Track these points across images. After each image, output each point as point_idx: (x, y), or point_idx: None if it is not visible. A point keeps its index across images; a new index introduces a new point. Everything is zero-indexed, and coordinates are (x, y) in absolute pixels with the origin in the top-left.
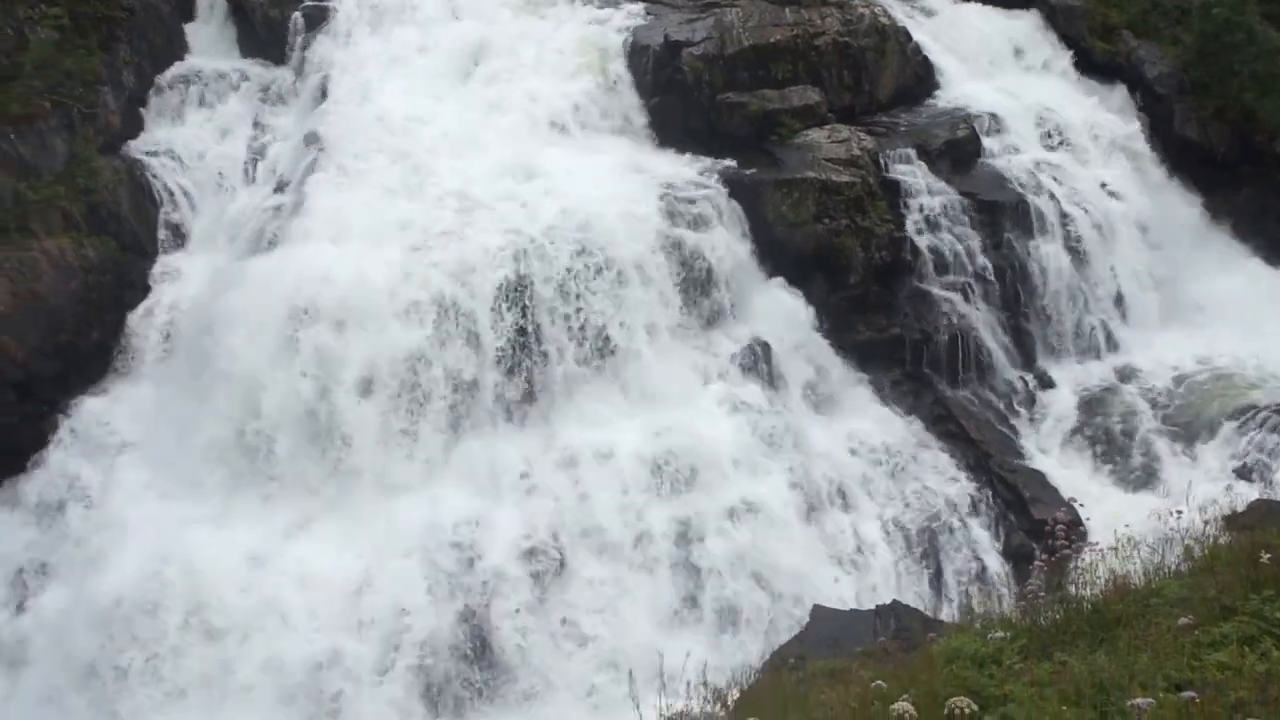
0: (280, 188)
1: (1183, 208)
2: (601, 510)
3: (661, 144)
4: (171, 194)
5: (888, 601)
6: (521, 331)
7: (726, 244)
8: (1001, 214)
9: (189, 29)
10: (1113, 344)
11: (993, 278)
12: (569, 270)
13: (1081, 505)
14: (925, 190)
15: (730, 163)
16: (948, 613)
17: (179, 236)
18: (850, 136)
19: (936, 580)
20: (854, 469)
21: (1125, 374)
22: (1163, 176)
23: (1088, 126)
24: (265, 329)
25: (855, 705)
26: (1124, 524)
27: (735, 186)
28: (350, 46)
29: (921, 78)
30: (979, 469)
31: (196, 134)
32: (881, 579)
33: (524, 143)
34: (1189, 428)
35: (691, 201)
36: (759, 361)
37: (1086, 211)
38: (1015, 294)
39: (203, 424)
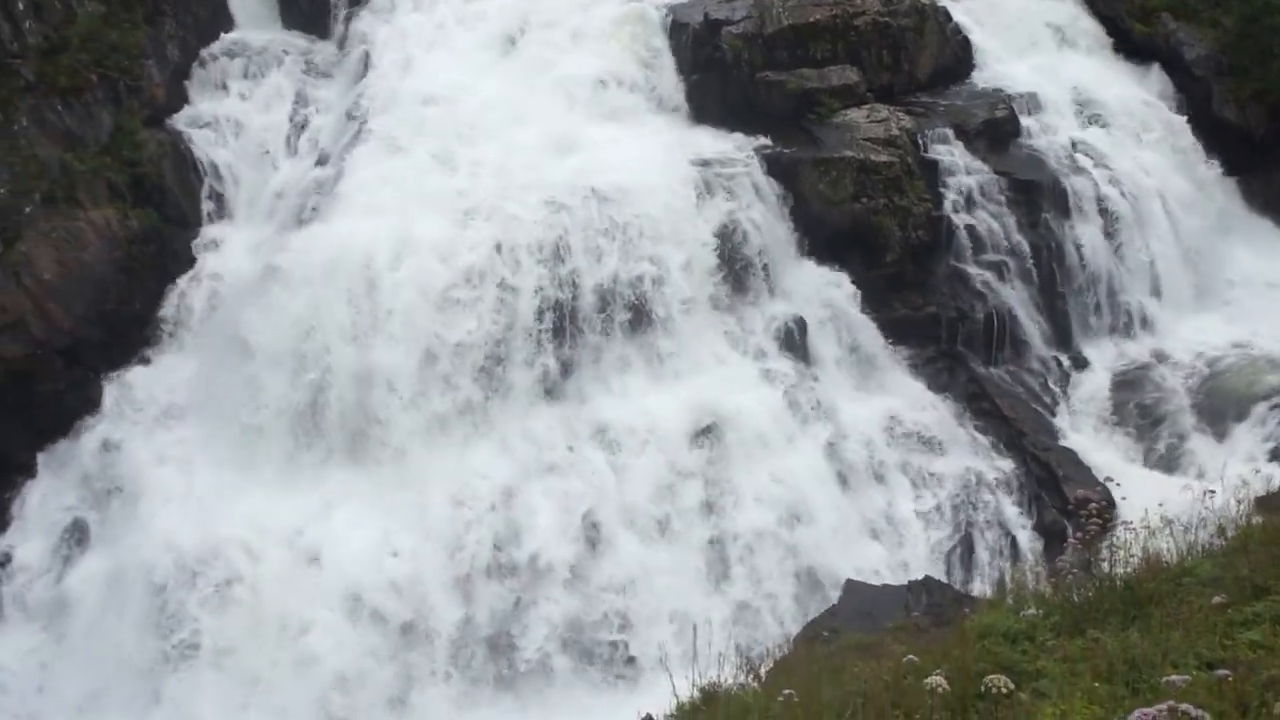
0: (322, 160)
1: (1219, 189)
2: (635, 482)
3: (700, 121)
4: (214, 166)
5: (920, 577)
6: (559, 304)
7: (764, 221)
8: (1038, 194)
9: (233, 3)
10: (1147, 324)
11: (1029, 257)
12: (607, 244)
13: (1117, 485)
14: (963, 170)
15: (768, 141)
16: (979, 589)
17: (222, 208)
18: (889, 116)
19: (968, 557)
20: (888, 445)
21: (1159, 354)
22: (1199, 158)
23: (1125, 107)
24: (306, 300)
25: (888, 679)
26: (1156, 504)
27: (773, 164)
28: (393, 20)
29: (960, 57)
30: (1012, 447)
31: (240, 107)
32: (913, 555)
33: (563, 117)
34: (1222, 409)
35: (730, 178)
36: (794, 337)
37: (1123, 192)
38: (1051, 273)
39: (243, 393)
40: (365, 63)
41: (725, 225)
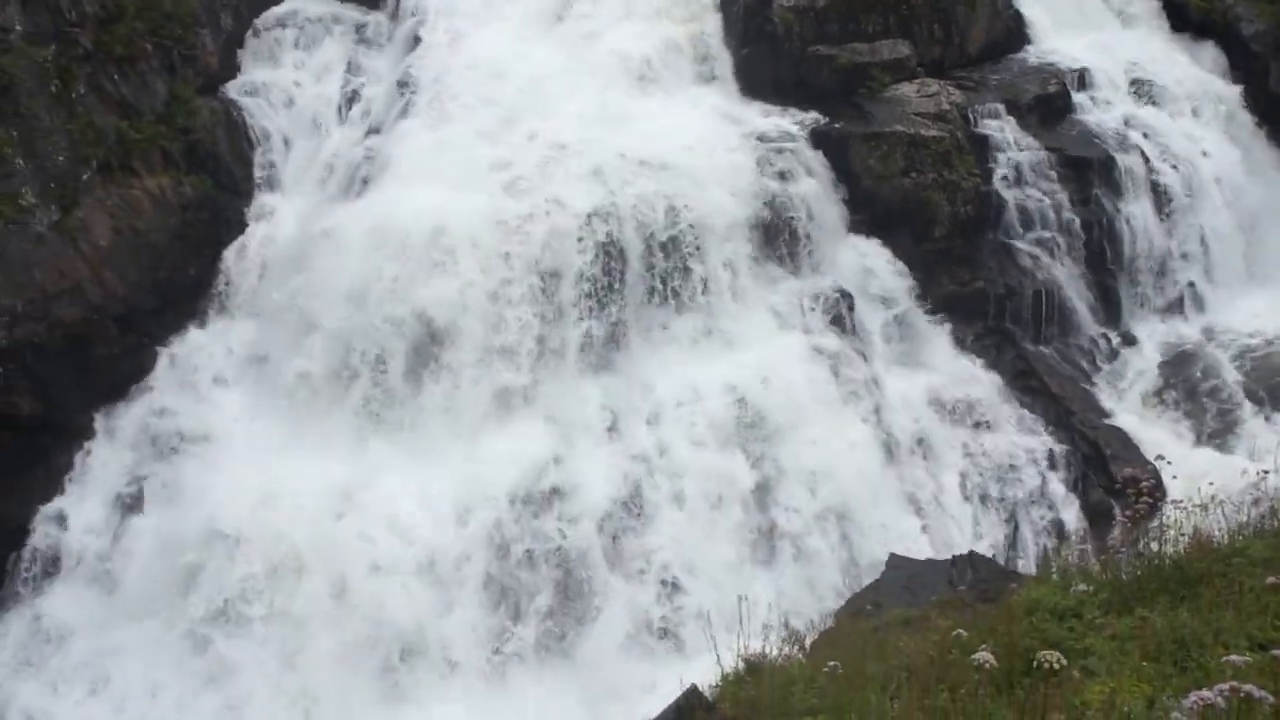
0: (373, 130)
1: (1273, 167)
2: (681, 454)
3: (749, 94)
4: (267, 134)
5: (964, 552)
6: (607, 275)
7: (813, 194)
8: (1090, 170)
9: None
10: (1198, 303)
11: (1079, 234)
12: (655, 216)
13: (1169, 463)
14: (1013, 145)
15: (818, 115)
16: (1024, 566)
17: (273, 176)
18: (939, 90)
19: (1013, 534)
20: (934, 421)
21: (1210, 333)
22: (1254, 135)
23: (1179, 83)
24: (357, 268)
25: (933, 653)
26: (1207, 483)
27: (823, 138)
28: None
29: (1012, 32)
30: (1060, 425)
31: (292, 76)
32: (958, 530)
33: (613, 89)
34: (1273, 389)
35: (779, 152)
36: (841, 312)
37: (1176, 169)
38: (1101, 251)
39: (295, 359)
40: (416, 34)
41: (774, 199)
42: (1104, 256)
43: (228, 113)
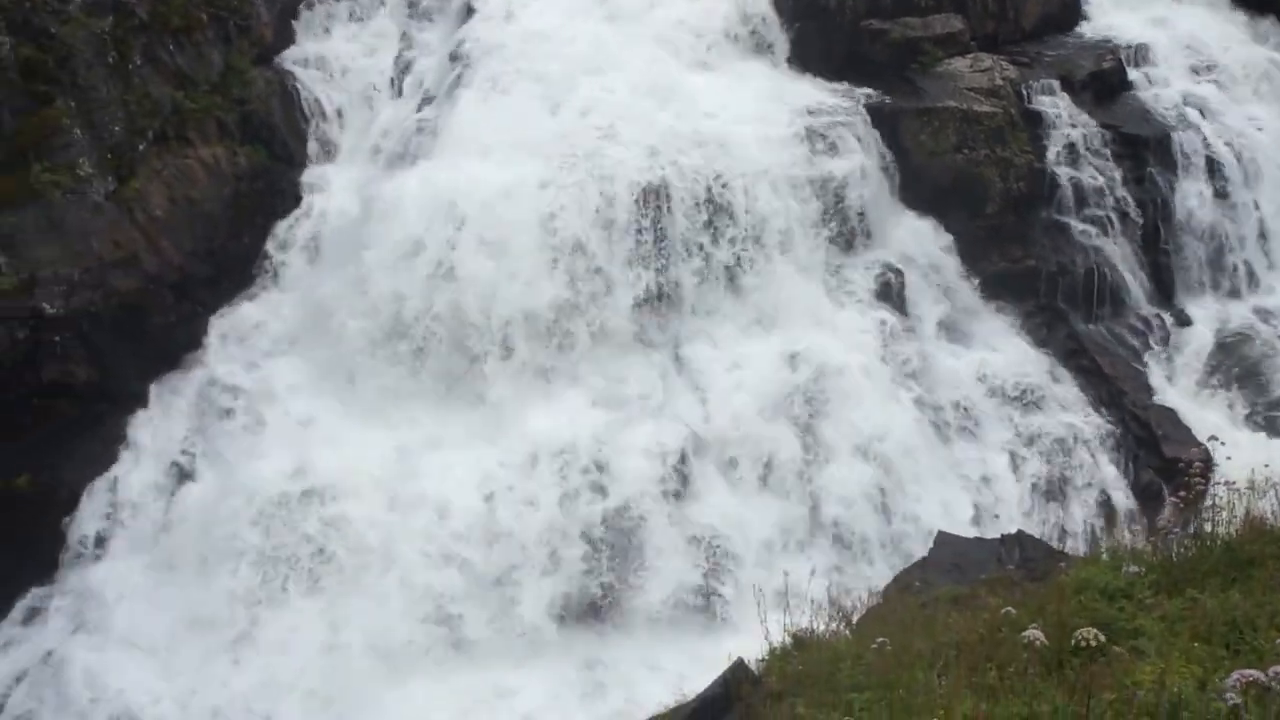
0: (426, 102)
1: None
2: (729, 430)
3: (801, 69)
4: (320, 106)
5: (1012, 532)
6: (657, 248)
7: (864, 170)
8: (1145, 148)
9: None
10: (1254, 283)
11: (1133, 212)
12: (706, 191)
13: (1222, 443)
14: (1067, 122)
15: (870, 90)
16: (1072, 547)
17: (327, 147)
18: (993, 66)
19: (1062, 514)
20: (984, 399)
21: (1265, 314)
22: None
23: (1239, 61)
24: (410, 239)
25: (983, 631)
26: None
27: (875, 114)
28: None
29: (1068, 6)
30: (1111, 405)
31: (345, 48)
32: (1006, 509)
33: (664, 63)
34: None
35: (830, 127)
36: (892, 288)
37: (1233, 147)
38: (1155, 229)
39: (345, 330)
40: (469, 6)
41: (826, 175)
42: (1158, 235)
43: (282, 84)
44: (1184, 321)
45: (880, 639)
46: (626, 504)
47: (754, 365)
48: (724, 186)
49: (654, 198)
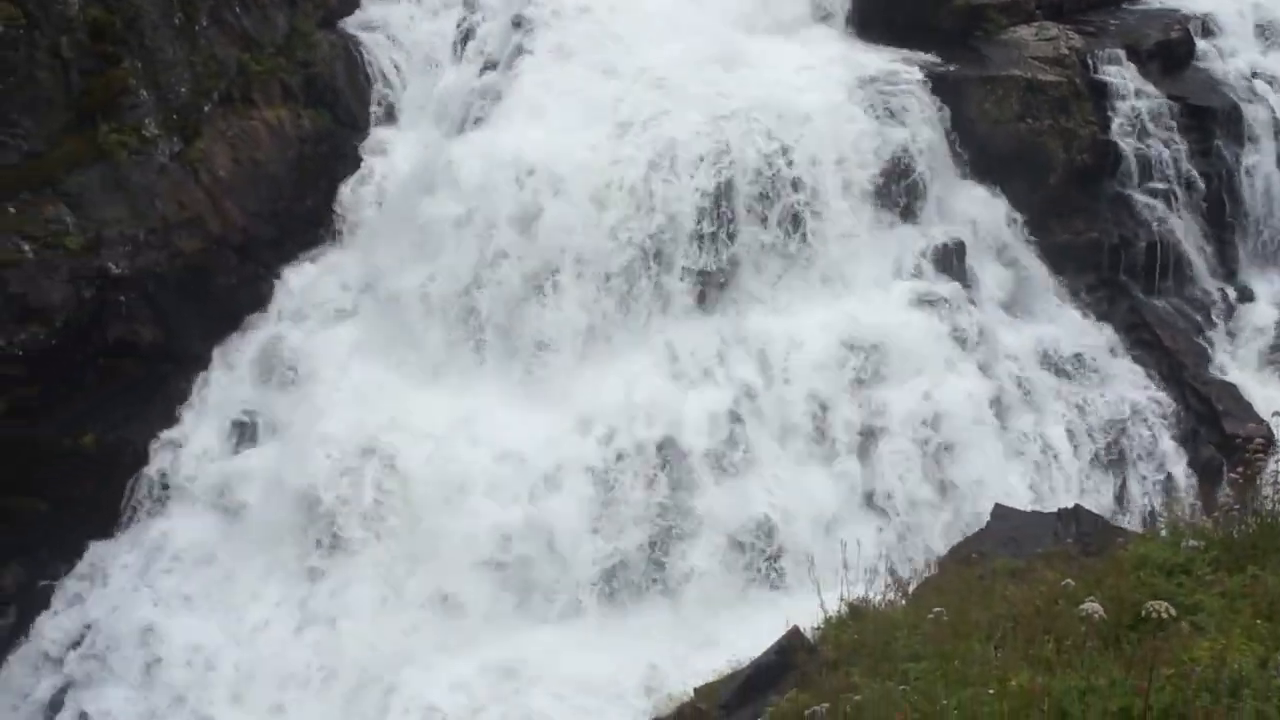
0: (488, 67)
1: None
2: (787, 399)
3: (864, 35)
4: (383, 70)
5: (1069, 506)
6: (716, 217)
7: (925, 139)
8: (1212, 120)
9: None
10: None
11: (1199, 185)
12: (766, 158)
13: None
14: (1133, 93)
15: (933, 58)
16: (1129, 523)
17: (390, 111)
18: (1058, 35)
19: (1120, 489)
20: (1042, 371)
21: None
22: None
23: None
24: (468, 204)
25: (1040, 604)
26: None
27: (938, 82)
28: None
29: None
30: (1171, 380)
31: (408, 11)
32: (1063, 483)
33: (728, 30)
34: None
35: (892, 95)
36: (952, 258)
37: None
38: (1220, 203)
39: (405, 294)
40: None
41: (887, 143)
42: (1223, 209)
43: (346, 47)
44: (1247, 297)
45: (937, 609)
46: (683, 469)
47: (812, 333)
48: (785, 153)
49: (713, 164)
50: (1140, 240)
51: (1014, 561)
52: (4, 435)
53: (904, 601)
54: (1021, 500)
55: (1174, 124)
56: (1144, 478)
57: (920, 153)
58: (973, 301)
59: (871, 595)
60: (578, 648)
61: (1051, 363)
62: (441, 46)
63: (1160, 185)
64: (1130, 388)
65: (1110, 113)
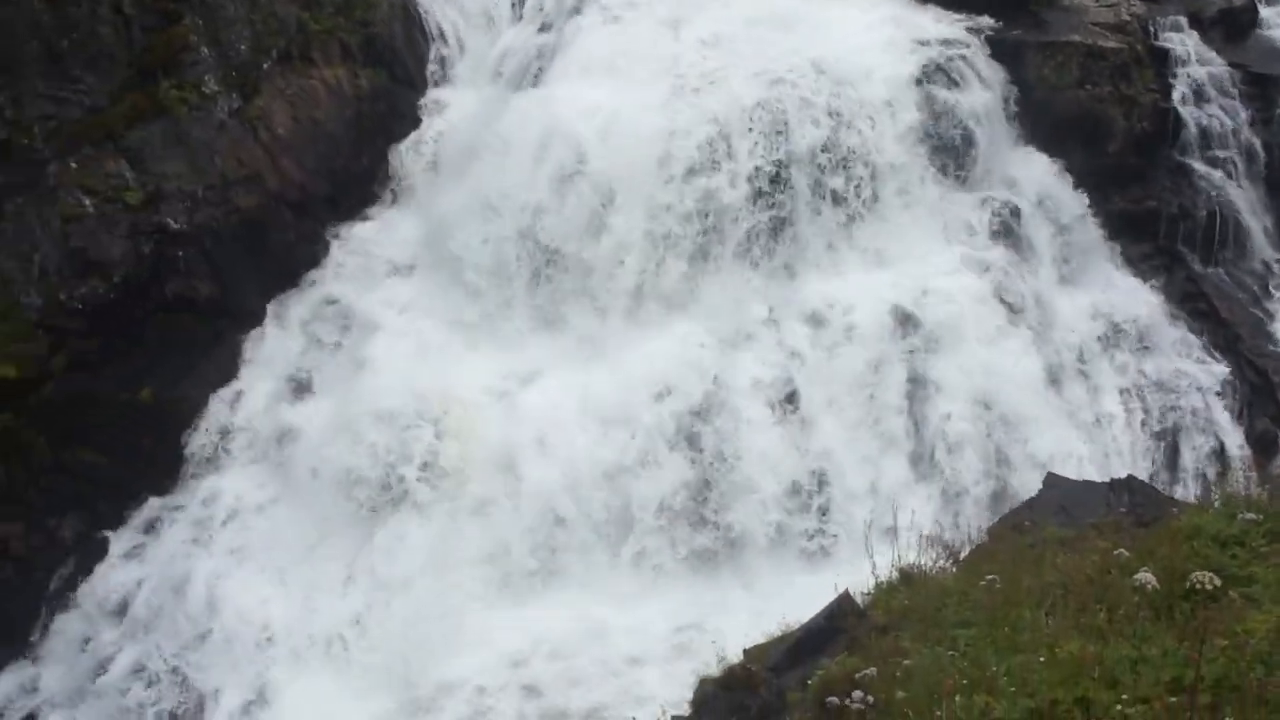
0: (545, 27)
1: None
2: (839, 363)
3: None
4: (441, 29)
5: (1122, 476)
6: (773, 179)
7: (984, 104)
8: (1274, 89)
9: None
10: None
11: (1259, 155)
12: (823, 122)
13: None
14: (1194, 60)
15: (993, 22)
16: (1182, 494)
17: (446, 71)
18: (1120, 0)
19: (1173, 460)
20: (1098, 341)
21: None
22: None
23: None
24: (525, 164)
25: (1092, 573)
26: None
27: (996, 47)
28: None
29: None
30: (1227, 351)
31: None
32: (1116, 453)
33: None
34: None
35: (951, 59)
36: (1008, 226)
37: None
38: None
39: (461, 253)
40: None
41: (944, 107)
42: None
43: (405, 6)
44: None
45: (989, 576)
46: (734, 435)
47: (867, 300)
48: (841, 117)
49: (769, 127)
50: (1199, 209)
51: (1065, 530)
52: (64, 389)
53: (954, 568)
54: (1074, 469)
55: (1235, 92)
56: (1196, 449)
57: (977, 117)
58: (1029, 268)
59: (922, 562)
60: (626, 607)
61: (1107, 331)
62: (500, 5)
63: (1220, 154)
64: (1185, 358)
65: (1171, 80)
